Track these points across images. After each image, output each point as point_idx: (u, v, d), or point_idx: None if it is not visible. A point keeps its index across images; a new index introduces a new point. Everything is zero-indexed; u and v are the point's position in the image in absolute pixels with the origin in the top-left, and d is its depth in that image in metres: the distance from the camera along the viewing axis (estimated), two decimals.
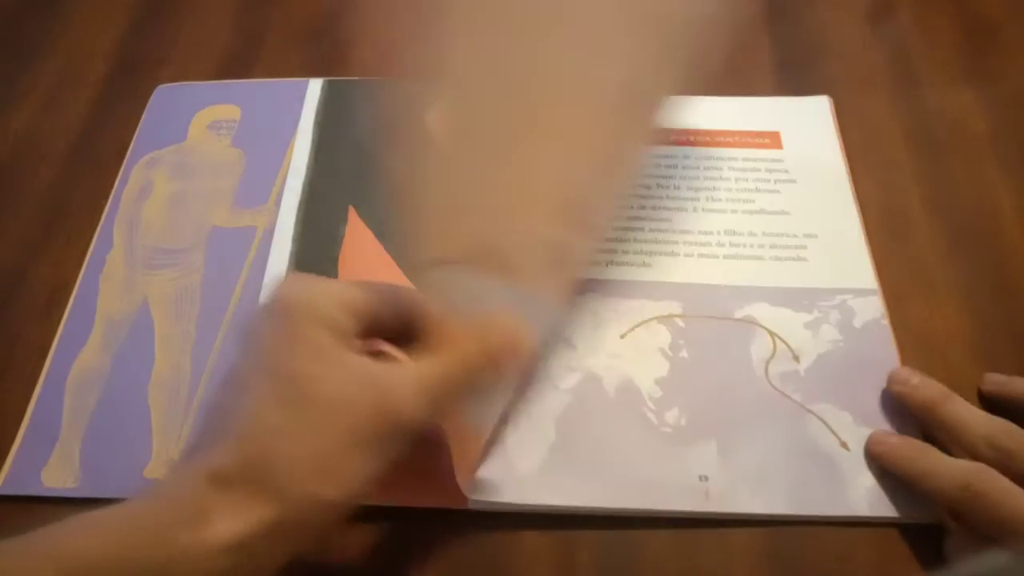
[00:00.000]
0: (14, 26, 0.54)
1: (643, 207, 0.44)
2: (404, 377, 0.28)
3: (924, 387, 0.36)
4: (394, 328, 0.31)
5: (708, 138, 0.47)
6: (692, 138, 0.47)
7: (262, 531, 0.25)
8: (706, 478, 0.35)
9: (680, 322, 0.40)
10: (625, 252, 0.42)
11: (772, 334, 0.39)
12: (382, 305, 0.30)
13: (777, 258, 0.42)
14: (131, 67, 0.52)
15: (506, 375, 0.33)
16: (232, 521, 0.25)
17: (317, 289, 0.29)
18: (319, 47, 0.53)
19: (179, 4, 0.55)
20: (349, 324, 0.28)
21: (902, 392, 0.37)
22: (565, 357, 0.38)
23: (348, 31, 0.52)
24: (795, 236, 0.43)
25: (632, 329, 0.39)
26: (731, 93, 0.49)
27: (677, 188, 0.44)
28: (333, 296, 0.29)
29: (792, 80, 0.50)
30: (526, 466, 0.36)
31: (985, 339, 0.40)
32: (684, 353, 0.39)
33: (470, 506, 0.35)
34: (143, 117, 0.49)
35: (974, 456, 0.33)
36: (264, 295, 0.31)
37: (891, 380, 0.37)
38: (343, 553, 0.35)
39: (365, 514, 0.35)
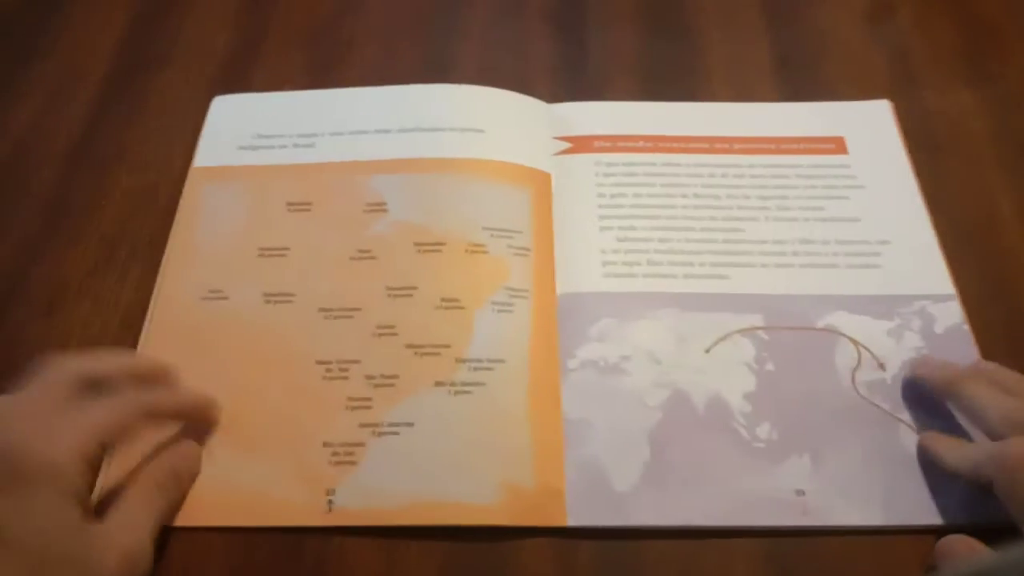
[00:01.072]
0: (14, 26, 0.54)
1: (714, 218, 0.43)
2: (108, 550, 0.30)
3: (944, 367, 0.37)
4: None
5: (772, 145, 0.46)
6: (756, 146, 0.46)
7: None
8: (803, 492, 0.35)
9: (763, 334, 0.40)
10: (701, 264, 0.42)
11: (855, 343, 0.39)
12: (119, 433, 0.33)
13: (852, 265, 0.42)
14: (131, 67, 0.52)
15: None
16: None
17: (59, 447, 0.30)
18: (320, 48, 0.53)
19: (179, 4, 0.55)
20: (86, 481, 0.31)
21: (922, 374, 0.38)
22: (651, 373, 0.38)
23: (349, 32, 0.53)
24: (868, 243, 0.43)
25: (716, 343, 0.39)
26: (787, 98, 0.49)
27: (747, 198, 0.44)
28: (76, 454, 0.30)
29: (792, 80, 0.50)
30: (623, 485, 0.35)
31: (984, 339, 0.40)
32: (770, 366, 0.39)
33: (568, 524, 0.35)
34: None
35: (991, 434, 0.33)
36: None
37: (915, 366, 0.38)
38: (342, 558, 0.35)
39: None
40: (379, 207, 0.43)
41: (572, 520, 0.35)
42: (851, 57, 0.51)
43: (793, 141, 0.47)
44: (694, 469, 0.36)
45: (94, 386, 0.33)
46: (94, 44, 0.53)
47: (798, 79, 0.50)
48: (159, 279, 0.41)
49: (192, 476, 0.35)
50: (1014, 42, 0.52)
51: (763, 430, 0.37)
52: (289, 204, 0.43)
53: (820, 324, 0.40)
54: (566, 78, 0.50)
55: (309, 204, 0.43)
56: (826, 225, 0.43)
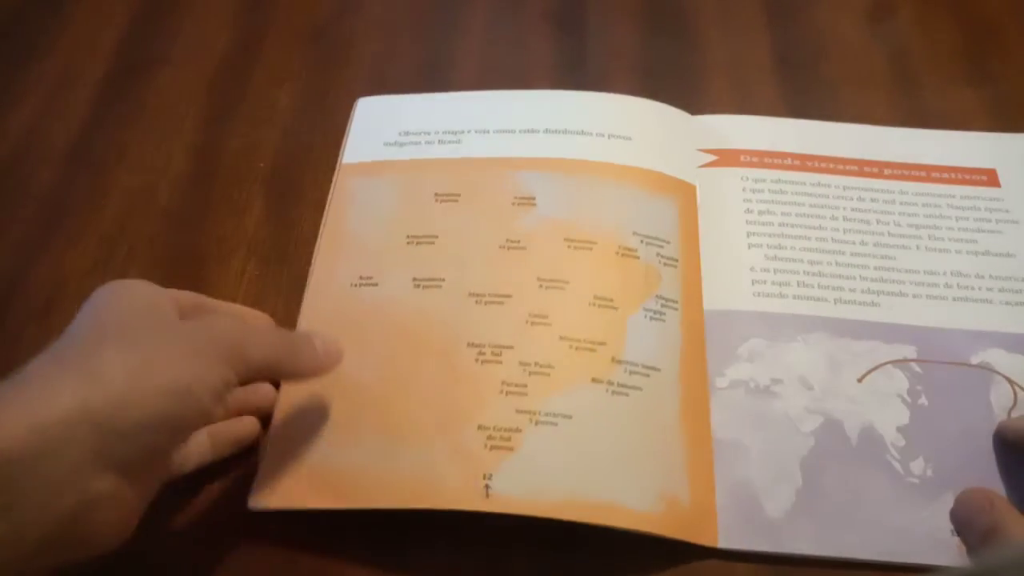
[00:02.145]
0: (14, 26, 0.54)
1: (864, 243, 0.43)
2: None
3: None
4: None
5: (923, 173, 0.45)
6: (906, 172, 0.45)
7: (75, 416, 0.25)
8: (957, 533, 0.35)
9: (916, 367, 0.39)
10: (852, 290, 0.41)
11: (1011, 383, 0.38)
12: None
13: (1007, 303, 0.41)
14: (130, 67, 0.52)
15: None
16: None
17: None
18: (320, 48, 0.52)
19: (178, 4, 0.55)
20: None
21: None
22: (803, 399, 0.38)
23: (349, 32, 0.53)
24: (1023, 280, 0.42)
25: (868, 373, 0.39)
26: (939, 126, 0.48)
27: (898, 225, 0.43)
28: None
29: (792, 80, 0.50)
30: (775, 510, 0.35)
31: None
32: (923, 400, 0.38)
33: (720, 545, 0.34)
34: None
35: None
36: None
37: None
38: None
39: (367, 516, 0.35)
40: (528, 201, 0.43)
41: (723, 542, 0.34)
42: (851, 56, 0.51)
43: (944, 170, 0.46)
44: (847, 500, 0.35)
45: None
46: (94, 44, 0.53)
47: (798, 78, 0.50)
48: (311, 268, 0.42)
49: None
50: (1014, 42, 0.52)
51: (917, 465, 0.36)
52: (437, 195, 0.43)
53: (975, 360, 0.39)
54: (566, 77, 0.50)
55: (457, 195, 0.43)
56: (979, 259, 0.42)
